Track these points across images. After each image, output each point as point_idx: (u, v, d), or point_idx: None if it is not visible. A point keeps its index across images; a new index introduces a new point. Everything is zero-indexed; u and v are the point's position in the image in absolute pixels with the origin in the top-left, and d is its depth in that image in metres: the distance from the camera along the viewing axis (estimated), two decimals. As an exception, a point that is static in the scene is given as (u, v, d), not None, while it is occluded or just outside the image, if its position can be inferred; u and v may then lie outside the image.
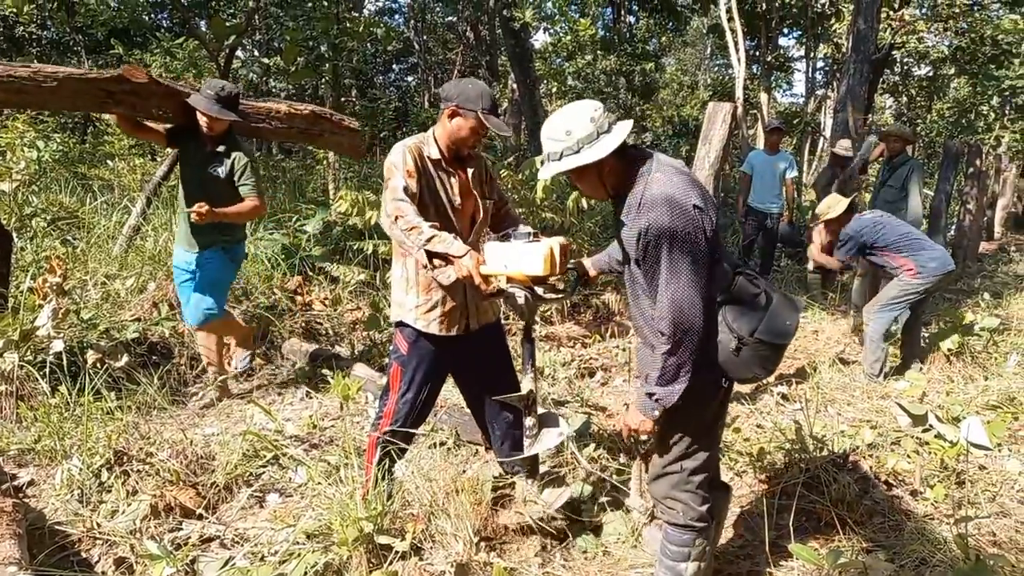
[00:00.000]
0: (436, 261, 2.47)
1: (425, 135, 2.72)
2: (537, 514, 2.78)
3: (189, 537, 2.79)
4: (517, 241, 2.42)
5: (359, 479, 2.79)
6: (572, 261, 2.66)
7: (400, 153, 2.60)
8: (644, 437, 2.30)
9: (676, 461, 2.25)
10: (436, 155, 2.67)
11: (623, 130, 2.10)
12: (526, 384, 2.63)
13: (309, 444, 3.70)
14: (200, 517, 2.92)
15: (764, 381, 4.73)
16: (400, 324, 2.77)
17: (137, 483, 3.05)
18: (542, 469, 3.01)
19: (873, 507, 3.07)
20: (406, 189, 2.51)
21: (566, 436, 2.62)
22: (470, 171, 2.77)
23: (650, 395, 2.11)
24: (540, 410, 2.72)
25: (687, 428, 2.23)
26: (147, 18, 15.37)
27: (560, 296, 2.54)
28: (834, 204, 5.02)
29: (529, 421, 2.64)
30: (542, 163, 6.47)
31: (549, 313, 6.08)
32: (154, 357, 4.44)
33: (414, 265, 2.69)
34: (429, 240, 2.39)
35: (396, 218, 2.46)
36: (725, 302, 2.12)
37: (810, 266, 7.38)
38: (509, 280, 2.45)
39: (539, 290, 2.46)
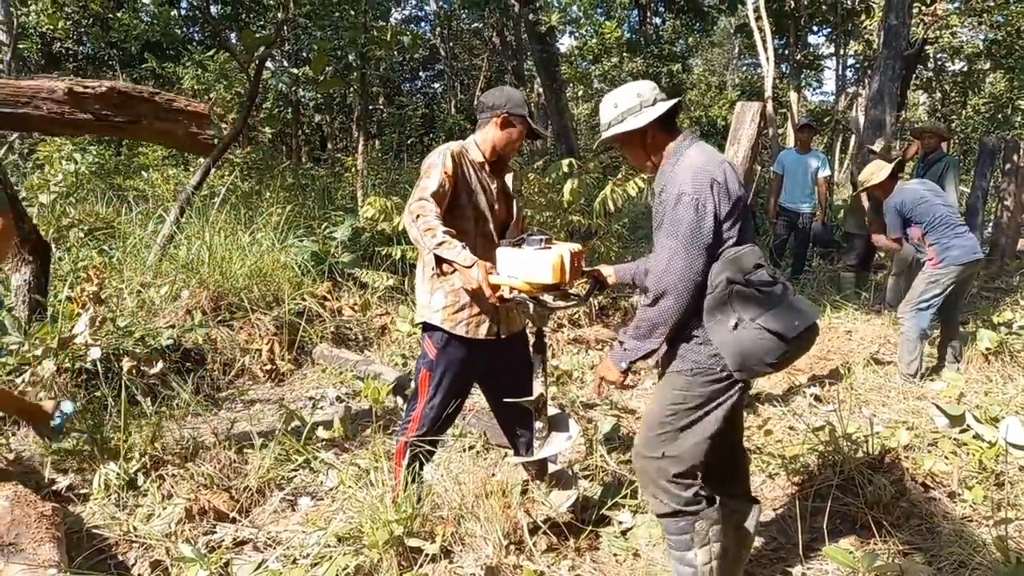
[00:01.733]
0: (445, 267, 2.46)
1: (465, 142, 2.76)
2: (543, 516, 2.79)
3: (223, 540, 2.83)
4: (528, 248, 2.42)
5: (389, 483, 2.81)
6: (589, 268, 2.70)
7: (441, 155, 2.61)
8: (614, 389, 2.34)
9: (657, 449, 2.22)
10: (480, 159, 2.71)
11: (665, 105, 2.24)
12: (537, 388, 2.63)
13: (340, 448, 3.73)
14: (233, 520, 2.97)
15: (796, 383, 4.69)
16: (428, 327, 2.76)
17: (172, 487, 3.10)
18: (568, 472, 3.00)
19: (909, 509, 3.01)
20: (436, 192, 2.49)
21: (575, 439, 2.61)
22: (507, 176, 2.82)
23: (621, 343, 2.22)
24: (551, 411, 2.72)
25: (672, 421, 2.20)
26: (179, 32, 15.66)
27: (570, 304, 2.55)
28: (877, 170, 4.84)
29: (539, 424, 2.65)
30: (569, 166, 6.44)
31: (577, 316, 6.06)
32: (188, 364, 4.52)
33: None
34: (440, 244, 2.36)
35: (417, 216, 2.44)
36: (737, 284, 2.08)
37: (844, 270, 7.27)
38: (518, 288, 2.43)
39: (548, 298, 2.45)
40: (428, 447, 2.81)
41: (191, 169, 8.85)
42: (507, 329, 2.79)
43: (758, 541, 2.89)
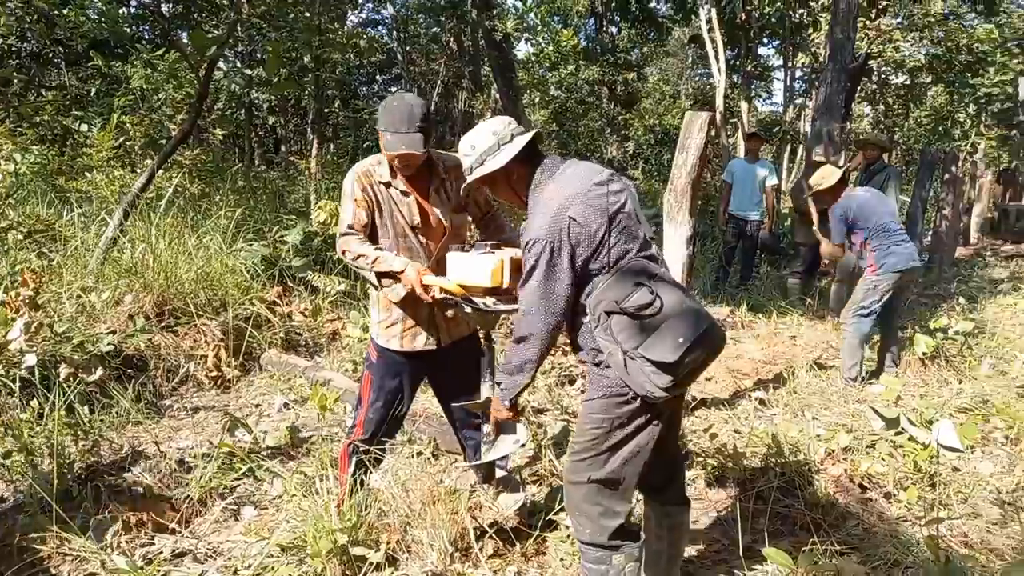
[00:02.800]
0: (386, 280, 2.59)
1: (375, 158, 2.71)
2: (490, 519, 2.79)
3: (161, 552, 2.76)
4: (474, 252, 2.50)
5: (335, 490, 2.78)
6: None
7: (349, 182, 2.64)
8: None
9: (583, 474, 2.17)
10: (387, 177, 2.65)
11: (522, 140, 2.20)
12: (485, 391, 2.64)
13: (286, 456, 3.68)
14: (173, 532, 2.90)
15: (742, 387, 4.78)
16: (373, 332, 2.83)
17: (109, 498, 3.02)
18: (516, 477, 3.01)
19: (847, 510, 3.09)
20: (351, 226, 2.63)
21: (523, 443, 2.63)
22: (434, 187, 2.71)
23: (499, 383, 2.25)
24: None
25: (595, 445, 2.15)
26: (128, 30, 15.28)
27: (511, 309, 2.54)
28: (828, 175, 4.96)
29: (487, 428, 2.63)
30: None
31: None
32: (129, 370, 4.40)
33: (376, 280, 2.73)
34: (374, 263, 2.56)
35: (344, 251, 2.63)
36: (614, 314, 2.04)
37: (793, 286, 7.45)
38: (465, 289, 2.51)
39: (490, 301, 2.50)
40: (375, 453, 2.79)
41: (139, 171, 8.64)
42: (449, 337, 2.79)
43: (701, 543, 2.94)
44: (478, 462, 2.76)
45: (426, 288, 2.53)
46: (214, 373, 4.72)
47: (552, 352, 5.59)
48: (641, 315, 2.01)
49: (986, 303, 7.23)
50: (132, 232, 5.68)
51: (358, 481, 2.77)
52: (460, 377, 2.86)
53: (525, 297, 2.11)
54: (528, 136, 2.22)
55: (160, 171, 6.79)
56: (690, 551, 2.85)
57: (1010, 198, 16.65)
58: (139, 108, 10.34)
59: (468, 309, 2.50)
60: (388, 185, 2.66)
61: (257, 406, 4.48)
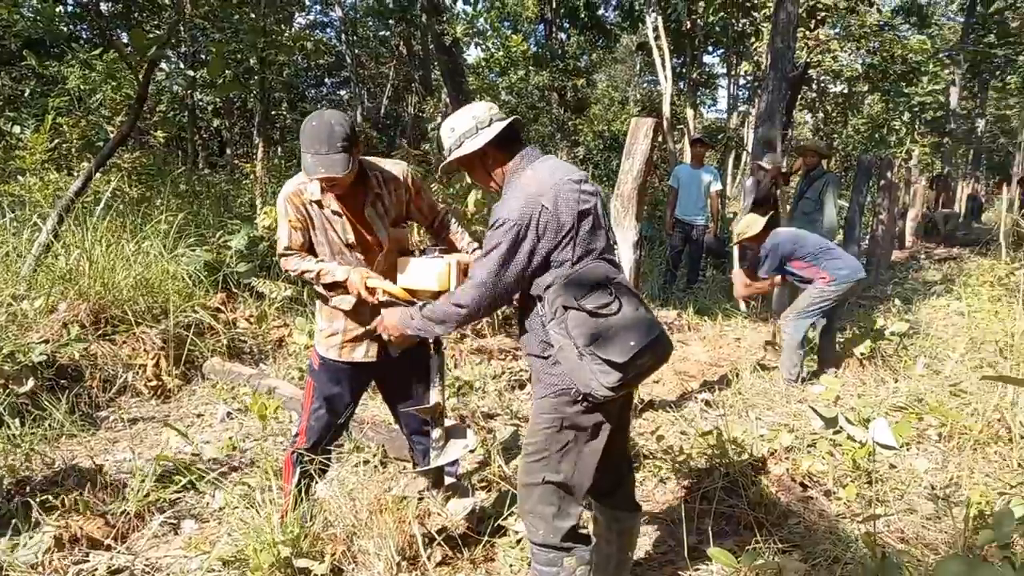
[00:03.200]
0: (335, 291, 2.61)
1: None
2: (438, 526, 2.78)
3: (96, 569, 2.66)
4: (424, 257, 2.55)
5: (279, 501, 2.73)
6: None
7: (282, 203, 2.61)
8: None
9: (537, 475, 2.18)
10: (318, 195, 2.57)
11: (500, 125, 2.21)
12: (434, 396, 2.62)
13: (229, 467, 3.59)
14: (108, 548, 2.80)
15: (689, 389, 4.86)
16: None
17: (40, 514, 2.90)
18: (464, 483, 2.99)
19: (789, 508, 3.16)
20: (288, 247, 2.63)
21: (472, 448, 2.63)
22: (369, 201, 2.63)
23: (412, 317, 2.27)
24: (448, 422, 2.72)
25: (547, 445, 2.16)
26: (65, 29, 14.78)
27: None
28: (752, 223, 5.21)
29: (436, 433, 2.64)
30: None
31: (480, 327, 6.07)
32: (63, 381, 4.24)
33: (320, 288, 2.71)
34: (319, 276, 2.58)
35: (286, 270, 2.67)
36: (571, 310, 2.05)
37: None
38: (413, 293, 2.53)
39: None
40: (320, 461, 2.75)
41: (75, 174, 8.36)
42: (396, 348, 2.73)
43: (648, 544, 2.97)
44: (427, 467, 2.73)
45: (370, 291, 2.53)
46: (154, 383, 4.58)
47: (502, 357, 5.61)
48: (598, 314, 2.04)
49: (920, 305, 7.50)
50: (67, 237, 5.48)
51: (302, 491, 2.72)
52: (406, 385, 2.84)
53: (479, 270, 2.11)
54: (506, 122, 2.23)
55: (98, 174, 6.57)
56: (637, 552, 2.87)
57: (943, 203, 17.34)
58: (75, 109, 9.99)
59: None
60: (319, 204, 2.58)
61: (199, 416, 4.36)
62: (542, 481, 2.17)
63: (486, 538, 2.86)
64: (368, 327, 2.63)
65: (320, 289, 2.64)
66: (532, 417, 2.24)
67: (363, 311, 2.65)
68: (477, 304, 2.13)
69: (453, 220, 2.91)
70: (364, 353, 2.72)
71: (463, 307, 2.15)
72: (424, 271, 2.51)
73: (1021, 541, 2.33)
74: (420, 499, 2.92)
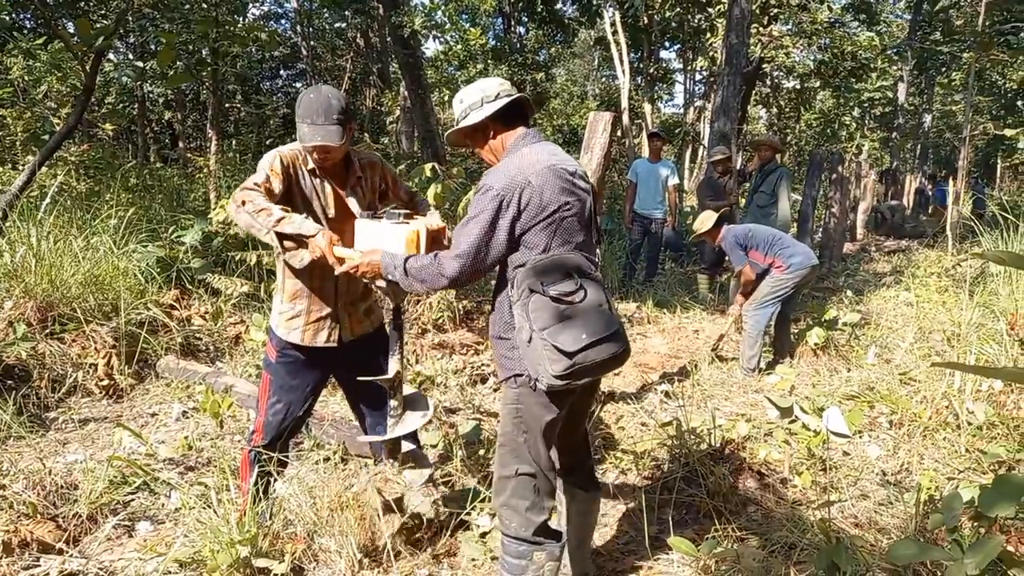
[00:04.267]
0: (289, 244, 2.39)
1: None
2: (396, 494, 2.72)
3: (47, 574, 2.58)
4: (387, 221, 2.41)
5: (237, 501, 2.68)
6: None
7: (270, 157, 2.51)
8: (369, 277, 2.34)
9: (511, 466, 2.21)
10: (311, 164, 2.58)
11: (507, 99, 2.23)
12: (393, 366, 2.56)
13: (185, 467, 3.52)
14: (60, 552, 2.72)
15: (649, 380, 4.91)
16: (270, 330, 2.72)
17: (-13, 519, 2.80)
18: (422, 452, 2.94)
19: (747, 497, 3.22)
20: (262, 183, 2.41)
21: (429, 418, 2.58)
22: (351, 184, 2.65)
23: (396, 267, 2.20)
24: (407, 390, 2.66)
25: (515, 436, 2.19)
26: (7, 18, 14.26)
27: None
28: (705, 219, 5.41)
29: (393, 402, 2.58)
30: (432, 170, 6.43)
31: (441, 320, 6.05)
32: (9, 381, 4.10)
33: (281, 270, 2.64)
34: (279, 221, 2.31)
35: (243, 202, 2.36)
36: (536, 293, 2.06)
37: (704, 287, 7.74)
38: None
39: None
40: (279, 458, 2.70)
41: (19, 168, 8.08)
42: (351, 333, 2.72)
43: (609, 534, 3.00)
44: (383, 437, 2.66)
45: (339, 260, 2.38)
46: (105, 382, 4.46)
47: (463, 352, 5.60)
48: (560, 300, 2.05)
49: (871, 295, 7.71)
50: (12, 233, 5.29)
51: (261, 489, 2.68)
52: (365, 374, 2.80)
53: (461, 239, 2.10)
54: (513, 97, 2.25)
55: (44, 168, 6.36)
56: (599, 542, 2.90)
57: (892, 196, 17.81)
58: (19, 101, 9.65)
59: (381, 283, 2.37)
60: (313, 173, 2.57)
61: (153, 415, 4.26)
62: (515, 474, 2.19)
63: (448, 533, 2.85)
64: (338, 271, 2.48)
65: (269, 238, 2.34)
66: (502, 407, 2.27)
67: (327, 290, 2.61)
68: (458, 275, 2.11)
69: (424, 201, 2.89)
70: (326, 338, 2.66)
71: (445, 276, 2.12)
72: (391, 236, 2.37)
73: (969, 524, 2.41)
74: (377, 471, 2.87)
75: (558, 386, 2.05)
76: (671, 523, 2.86)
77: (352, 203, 2.64)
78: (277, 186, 2.46)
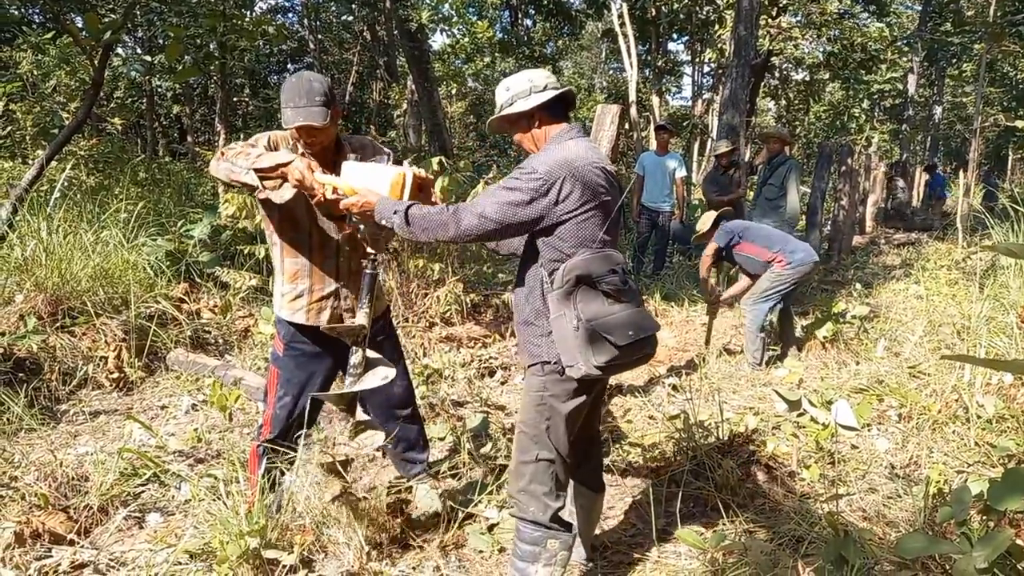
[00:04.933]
0: (270, 183, 2.34)
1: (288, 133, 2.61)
2: (341, 456, 2.54)
3: (59, 564, 2.61)
4: (373, 162, 2.38)
5: (247, 493, 2.70)
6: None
7: (259, 135, 2.53)
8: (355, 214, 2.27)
9: (531, 452, 2.23)
10: (300, 149, 2.55)
11: (554, 92, 2.26)
12: (360, 318, 2.46)
13: (194, 459, 3.54)
14: (71, 543, 2.74)
15: (656, 374, 4.91)
16: (278, 322, 2.72)
17: (0, 510, 2.83)
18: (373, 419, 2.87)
19: (755, 490, 3.22)
20: (248, 143, 2.42)
21: (389, 378, 2.48)
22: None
23: (396, 212, 2.14)
24: (371, 355, 2.54)
25: (537, 422, 2.21)
26: (16, 12, 14.31)
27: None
28: (705, 220, 5.42)
29: (355, 358, 2.48)
30: (439, 163, 6.41)
31: (449, 314, 6.06)
32: (21, 374, 4.13)
33: (279, 253, 2.64)
34: (258, 159, 2.29)
35: (222, 154, 2.36)
36: (584, 284, 2.10)
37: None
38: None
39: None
40: (287, 452, 2.71)
41: (30, 162, 8.12)
42: (354, 315, 2.64)
43: (617, 527, 3.00)
44: (341, 391, 2.53)
45: (320, 185, 2.32)
46: (115, 375, 4.49)
47: (471, 345, 5.61)
48: (610, 296, 2.10)
49: (880, 288, 7.67)
50: (22, 227, 5.33)
51: (269, 482, 2.69)
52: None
53: (490, 201, 2.09)
54: (561, 91, 2.28)
55: (53, 162, 6.39)
56: (607, 536, 2.91)
57: (900, 187, 17.66)
58: (28, 95, 9.69)
59: (361, 225, 2.33)
60: (303, 156, 2.52)
61: (163, 408, 4.29)
62: (536, 459, 2.22)
63: (456, 526, 2.86)
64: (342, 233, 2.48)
65: (251, 179, 2.30)
66: (523, 394, 2.29)
67: (328, 266, 2.62)
68: (470, 232, 2.10)
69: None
70: (329, 317, 2.65)
71: (457, 228, 2.09)
72: (376, 177, 2.30)
73: (978, 517, 2.40)
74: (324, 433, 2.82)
75: (595, 375, 2.09)
76: (678, 516, 2.86)
77: None
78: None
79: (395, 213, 2.15)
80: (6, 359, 4.08)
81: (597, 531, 2.78)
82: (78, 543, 2.74)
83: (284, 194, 2.47)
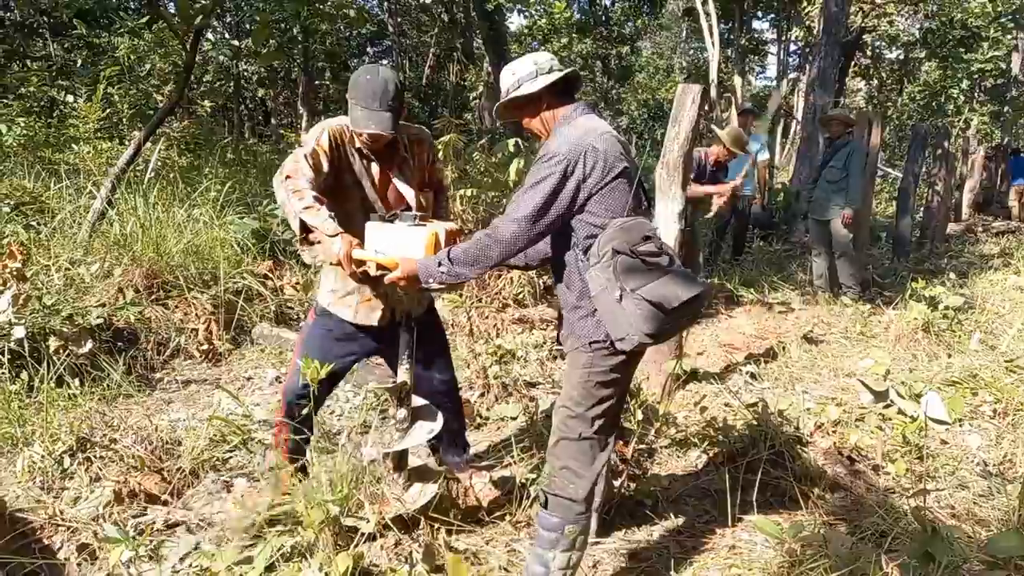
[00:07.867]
0: (311, 236, 2.35)
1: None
2: (393, 513, 2.56)
3: (154, 522, 2.77)
4: (401, 224, 2.35)
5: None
6: None
7: (318, 130, 2.51)
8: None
9: (575, 431, 2.23)
10: (358, 143, 2.56)
11: (560, 73, 2.27)
12: (401, 374, 2.52)
13: (278, 428, 3.68)
14: (165, 503, 2.90)
15: (734, 361, 4.80)
16: (318, 305, 2.75)
17: (100, 470, 3.02)
18: (430, 467, 2.91)
19: (836, 482, 3.12)
20: (309, 154, 2.40)
21: (436, 432, 2.50)
22: (397, 164, 2.63)
23: (439, 263, 2.17)
24: (417, 402, 2.61)
25: (582, 400, 2.21)
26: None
27: (442, 288, 2.38)
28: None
29: (401, 413, 2.53)
30: (515, 145, 6.41)
31: (522, 296, 6.08)
32: (119, 343, 4.38)
33: None
34: (307, 209, 2.29)
35: (287, 176, 2.36)
36: (622, 255, 2.06)
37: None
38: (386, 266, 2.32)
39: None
40: (300, 429, 2.73)
41: (127, 142, 8.54)
42: (403, 311, 2.67)
43: (691, 513, 2.97)
44: (389, 450, 2.60)
45: (357, 263, 2.34)
46: (205, 346, 4.70)
47: (543, 327, 5.62)
48: (648, 262, 2.07)
49: (976, 279, 7.27)
50: (120, 205, 5.62)
51: (291, 455, 2.72)
52: (424, 350, 2.80)
53: (521, 202, 2.12)
54: (566, 72, 2.29)
55: (148, 143, 6.70)
56: (678, 521, 2.88)
57: (1002, 174, 16.68)
58: (126, 79, 10.18)
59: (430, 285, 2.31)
60: (360, 152, 2.56)
61: (249, 379, 4.47)
62: (579, 437, 2.23)
63: (527, 503, 2.89)
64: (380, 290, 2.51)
65: (293, 221, 2.33)
66: (567, 372, 2.29)
67: (376, 279, 2.61)
68: (514, 240, 2.12)
69: (445, 200, 2.88)
70: (379, 317, 2.65)
71: (500, 242, 2.12)
72: (409, 239, 2.30)
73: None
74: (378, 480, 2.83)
75: (647, 344, 2.08)
76: (755, 504, 2.80)
77: (399, 184, 2.62)
78: (325, 164, 2.45)
79: (439, 266, 2.18)
80: (106, 329, 4.32)
81: (671, 515, 2.76)
82: (171, 503, 2.90)
83: (316, 256, 2.48)
